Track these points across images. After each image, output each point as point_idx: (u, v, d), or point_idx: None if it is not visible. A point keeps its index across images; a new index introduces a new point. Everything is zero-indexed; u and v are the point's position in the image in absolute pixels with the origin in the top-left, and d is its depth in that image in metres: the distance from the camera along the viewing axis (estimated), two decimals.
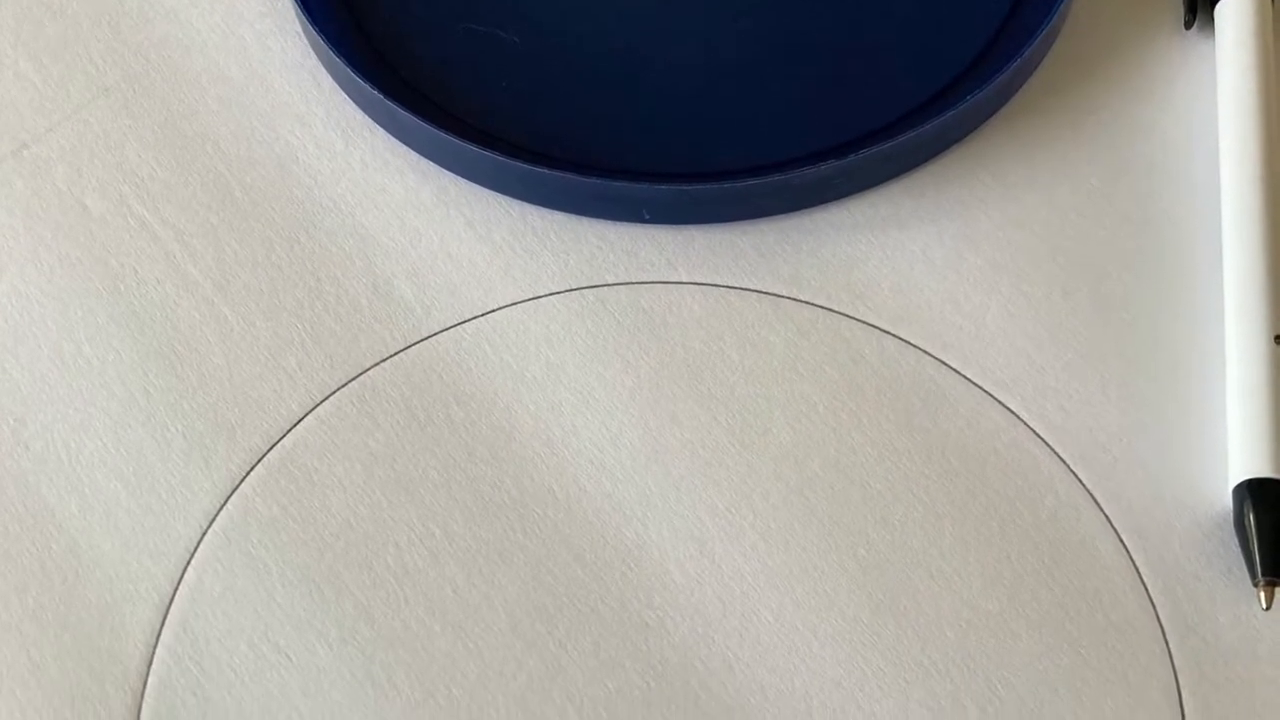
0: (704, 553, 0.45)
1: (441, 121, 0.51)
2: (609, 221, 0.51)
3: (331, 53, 0.52)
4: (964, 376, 0.48)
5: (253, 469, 0.47)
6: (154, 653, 0.44)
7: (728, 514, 0.46)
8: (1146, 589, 0.45)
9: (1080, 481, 0.46)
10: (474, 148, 0.50)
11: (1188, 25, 0.54)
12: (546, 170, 0.50)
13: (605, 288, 0.50)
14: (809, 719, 0.43)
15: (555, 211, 0.51)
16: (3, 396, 0.48)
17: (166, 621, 0.44)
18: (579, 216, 0.51)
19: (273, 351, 0.49)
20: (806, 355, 0.48)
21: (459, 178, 0.52)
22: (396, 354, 0.49)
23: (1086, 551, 0.45)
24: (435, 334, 0.49)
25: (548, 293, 0.50)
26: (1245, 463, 0.45)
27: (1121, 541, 0.45)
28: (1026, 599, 0.44)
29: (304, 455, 0.47)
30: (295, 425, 0.48)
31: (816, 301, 0.49)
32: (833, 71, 0.53)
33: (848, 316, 0.49)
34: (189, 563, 0.45)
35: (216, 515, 0.46)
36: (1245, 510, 0.44)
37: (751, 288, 0.50)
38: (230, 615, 0.45)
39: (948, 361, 0.48)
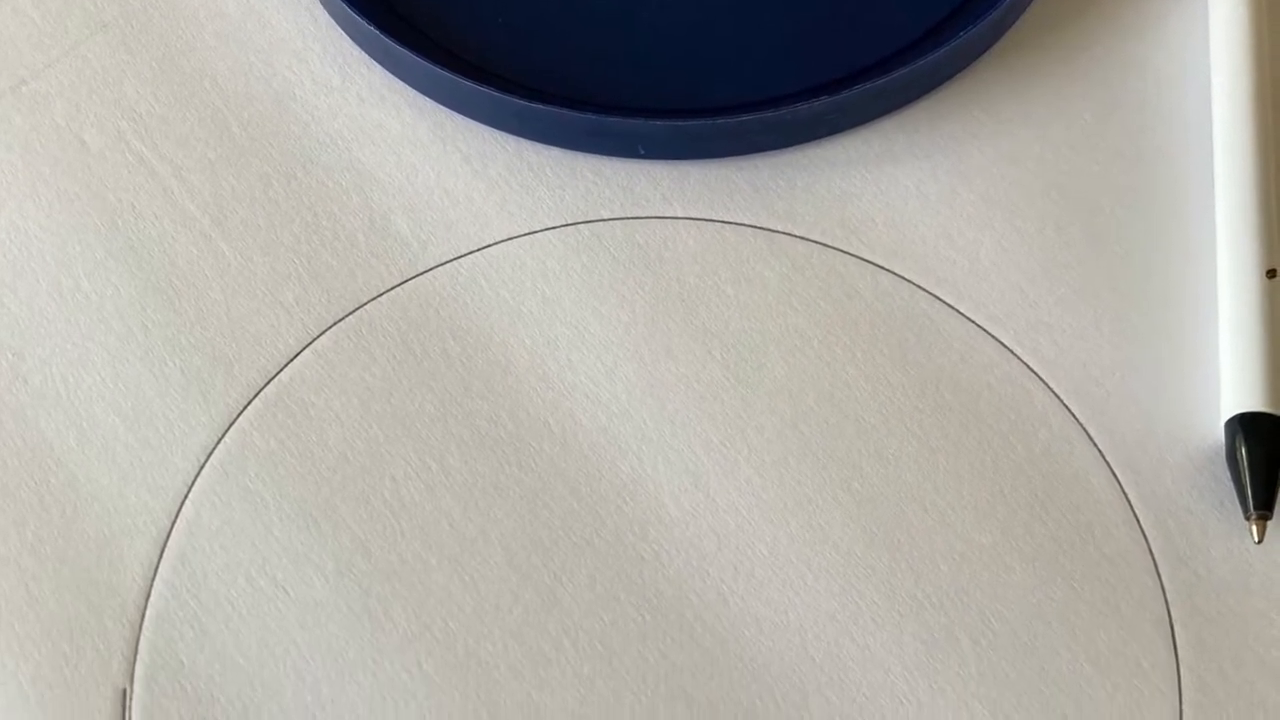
0: (699, 486, 0.44)
1: (437, 57, 0.49)
2: (604, 157, 0.49)
3: None
4: (957, 311, 0.46)
5: (250, 403, 0.45)
6: (152, 586, 0.42)
7: (722, 448, 0.44)
8: (1139, 522, 0.43)
9: (1073, 415, 0.44)
10: (470, 83, 0.48)
11: None
12: (542, 106, 0.48)
13: (601, 223, 0.48)
14: (803, 651, 0.41)
15: (551, 147, 0.49)
16: (1, 331, 0.46)
17: (164, 555, 0.43)
18: (574, 152, 0.49)
19: (270, 286, 0.47)
20: (801, 290, 0.46)
21: (455, 113, 0.50)
22: (393, 289, 0.47)
23: (1079, 485, 0.43)
24: (431, 269, 0.47)
25: (543, 228, 0.48)
26: (1237, 397, 0.43)
27: (1114, 475, 0.43)
28: (1020, 532, 0.43)
29: (301, 389, 0.45)
30: (292, 360, 0.46)
31: (811, 237, 0.47)
32: (827, 7, 0.51)
33: (842, 251, 0.47)
34: (187, 496, 0.44)
35: (214, 449, 0.44)
36: (1237, 444, 0.43)
37: (746, 223, 0.48)
38: (228, 549, 0.43)
39: (941, 296, 0.46)
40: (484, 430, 0.44)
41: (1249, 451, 0.42)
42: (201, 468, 0.44)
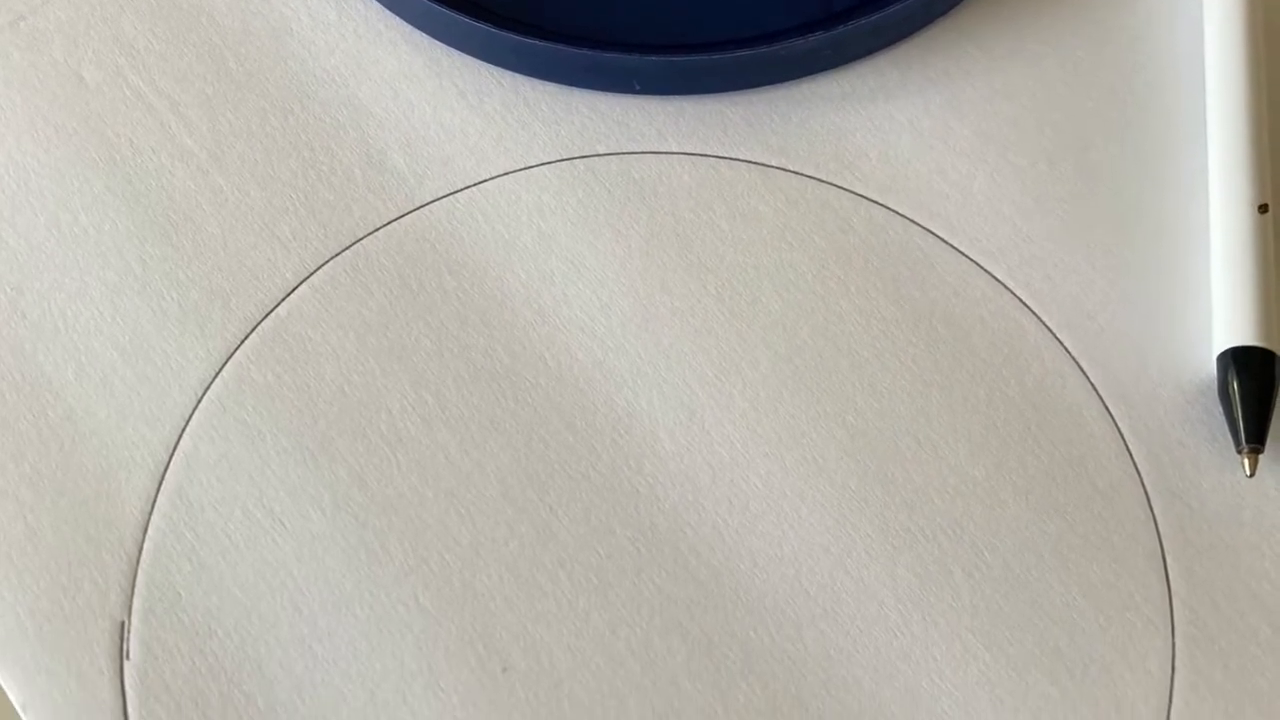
0: (693, 420, 0.41)
1: None
2: (600, 92, 0.47)
3: None
4: (951, 245, 0.44)
5: (247, 337, 0.43)
6: (149, 519, 0.40)
7: (717, 382, 0.42)
8: (1131, 456, 0.41)
9: (1066, 349, 0.42)
10: (466, 19, 0.45)
11: None
12: (538, 42, 0.45)
13: (596, 158, 0.45)
14: (797, 584, 0.39)
15: (547, 82, 0.47)
16: (0, 265, 0.44)
17: (162, 488, 0.41)
18: (570, 87, 0.47)
19: (267, 221, 0.44)
20: (795, 225, 0.44)
21: (451, 49, 0.47)
22: (389, 223, 0.44)
23: (1072, 419, 0.41)
24: (428, 203, 0.45)
25: (539, 163, 0.45)
26: (1229, 331, 0.41)
27: (1107, 409, 0.41)
28: (1013, 466, 0.41)
29: (298, 323, 0.43)
30: (289, 294, 0.43)
31: (805, 171, 0.45)
32: None
33: (836, 186, 0.45)
34: (184, 430, 0.41)
35: (211, 383, 0.42)
36: (1229, 378, 0.41)
37: (741, 158, 0.45)
38: (225, 482, 0.41)
39: (935, 230, 0.44)
40: (480, 364, 0.42)
41: (1240, 385, 0.40)
42: (199, 402, 0.42)
